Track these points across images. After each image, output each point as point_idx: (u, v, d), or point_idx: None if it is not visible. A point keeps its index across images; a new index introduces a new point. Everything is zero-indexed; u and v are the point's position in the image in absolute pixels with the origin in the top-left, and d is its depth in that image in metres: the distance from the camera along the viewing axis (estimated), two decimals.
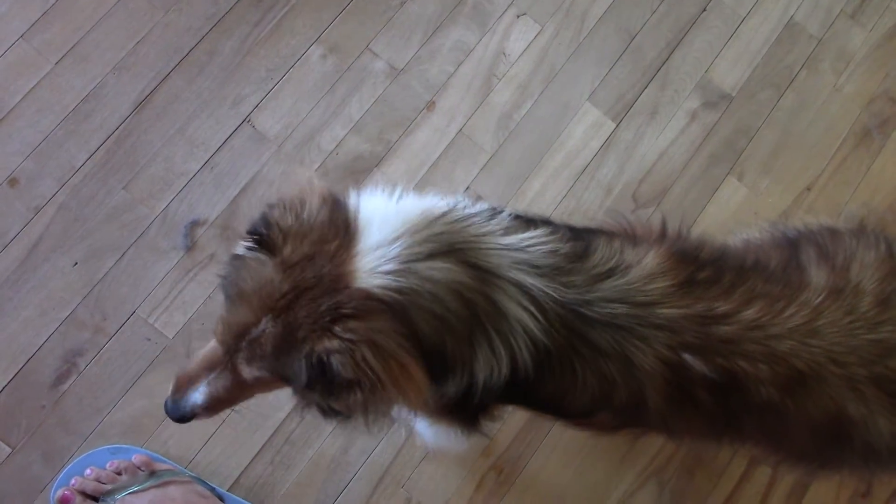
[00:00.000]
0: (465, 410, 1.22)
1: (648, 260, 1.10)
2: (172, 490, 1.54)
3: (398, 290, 0.98)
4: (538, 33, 2.00)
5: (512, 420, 1.73)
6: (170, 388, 1.15)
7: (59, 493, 1.55)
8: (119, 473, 1.58)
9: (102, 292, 1.72)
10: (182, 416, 1.14)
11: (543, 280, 1.05)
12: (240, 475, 1.67)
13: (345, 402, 1.01)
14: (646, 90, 1.98)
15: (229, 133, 1.85)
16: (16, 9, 1.86)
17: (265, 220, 1.04)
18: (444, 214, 1.06)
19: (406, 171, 1.87)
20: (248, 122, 1.86)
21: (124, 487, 1.53)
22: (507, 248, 1.06)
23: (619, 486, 1.73)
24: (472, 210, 1.09)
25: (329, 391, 1.00)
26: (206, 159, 1.82)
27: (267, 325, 0.99)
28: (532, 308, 1.04)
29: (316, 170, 1.84)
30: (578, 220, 1.84)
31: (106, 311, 1.71)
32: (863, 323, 1.10)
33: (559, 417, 1.32)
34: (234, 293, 1.03)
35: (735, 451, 1.71)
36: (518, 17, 2.00)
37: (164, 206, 1.79)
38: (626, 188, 1.91)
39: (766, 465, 1.72)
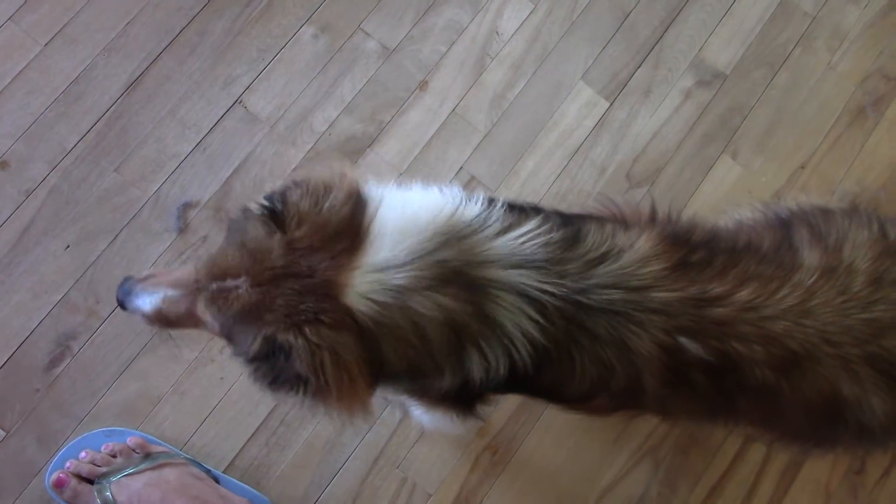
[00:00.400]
0: (461, 401, 1.23)
1: (641, 243, 1.10)
2: (168, 472, 1.54)
3: (378, 323, 1.00)
4: (531, 12, 1.98)
5: (507, 401, 1.73)
6: (143, 273, 1.18)
7: (54, 476, 1.55)
8: (114, 456, 1.59)
9: (95, 275, 1.72)
10: (122, 304, 1.18)
11: (540, 275, 1.05)
12: (235, 457, 1.67)
13: (282, 391, 1.04)
14: (639, 69, 1.97)
15: (221, 114, 1.84)
16: None
17: (284, 198, 1.04)
18: (452, 230, 1.05)
19: (399, 151, 1.86)
20: (240, 102, 1.85)
21: (119, 470, 1.53)
22: (504, 251, 1.06)
23: (613, 466, 1.74)
24: (472, 211, 1.08)
25: (272, 377, 1.03)
26: (198, 141, 1.81)
27: (243, 286, 1.01)
28: (531, 311, 1.04)
29: (308, 151, 1.83)
30: (573, 200, 1.85)
31: (99, 293, 1.71)
32: (856, 303, 1.10)
33: (556, 403, 1.32)
34: (233, 239, 1.06)
35: (730, 430, 1.72)
36: None
37: (156, 188, 1.78)
38: (620, 167, 1.90)
39: (761, 443, 1.73)
